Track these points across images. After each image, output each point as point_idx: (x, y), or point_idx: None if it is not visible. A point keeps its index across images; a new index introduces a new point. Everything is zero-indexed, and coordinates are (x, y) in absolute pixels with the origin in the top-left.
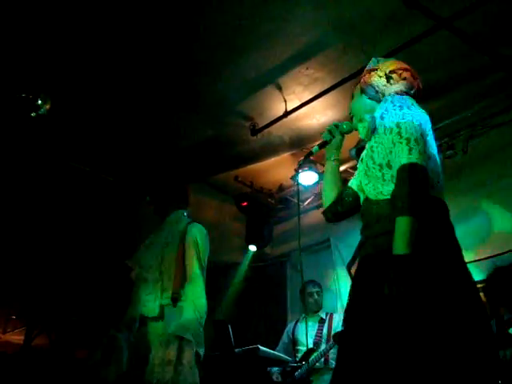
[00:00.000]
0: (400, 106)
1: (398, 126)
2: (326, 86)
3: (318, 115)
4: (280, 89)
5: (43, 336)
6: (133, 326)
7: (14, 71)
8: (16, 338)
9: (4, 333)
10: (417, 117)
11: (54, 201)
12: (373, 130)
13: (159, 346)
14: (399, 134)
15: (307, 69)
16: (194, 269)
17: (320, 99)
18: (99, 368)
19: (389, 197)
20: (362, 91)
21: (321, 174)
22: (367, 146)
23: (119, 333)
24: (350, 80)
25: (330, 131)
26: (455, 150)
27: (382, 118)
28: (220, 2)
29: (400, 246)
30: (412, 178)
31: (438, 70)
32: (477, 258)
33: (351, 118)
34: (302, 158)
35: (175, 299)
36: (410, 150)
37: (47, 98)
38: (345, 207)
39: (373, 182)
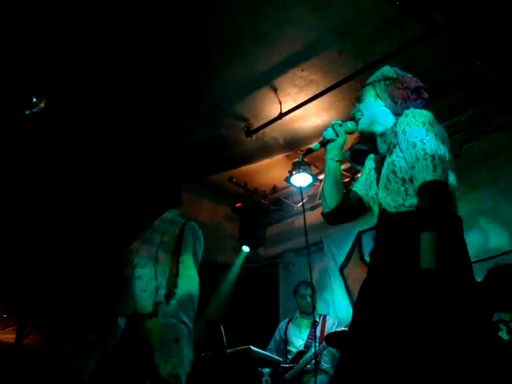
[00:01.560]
0: (423, 122)
1: (422, 141)
2: (320, 89)
3: (313, 117)
4: (275, 90)
5: (35, 335)
6: (121, 322)
7: (8, 68)
8: (6, 336)
9: None
10: (440, 134)
11: (47, 199)
12: (394, 145)
13: (158, 342)
14: (424, 149)
15: (302, 71)
16: (189, 265)
17: (315, 101)
18: (77, 361)
19: (410, 209)
20: (378, 96)
21: (315, 176)
22: (387, 160)
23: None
24: (345, 83)
25: (334, 129)
26: None
27: (404, 132)
28: (215, 5)
29: (428, 260)
30: (437, 195)
31: (432, 73)
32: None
33: (355, 119)
34: (301, 155)
35: (168, 296)
36: (435, 167)
37: (42, 95)
38: (348, 211)
39: (392, 196)
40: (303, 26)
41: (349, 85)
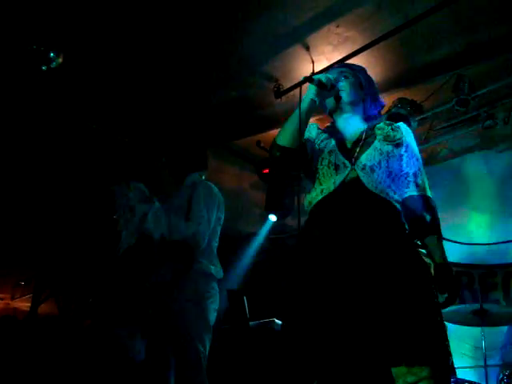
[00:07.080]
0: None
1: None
2: (357, 46)
3: None
4: (307, 48)
5: (51, 302)
6: None
7: (25, 22)
8: (24, 304)
9: (12, 299)
10: None
11: (64, 162)
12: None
13: (182, 310)
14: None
15: (337, 27)
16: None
17: (350, 60)
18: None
19: (396, 197)
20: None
21: None
22: (383, 148)
23: None
24: (384, 40)
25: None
26: (495, 120)
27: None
28: None
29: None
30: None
31: (480, 30)
32: None
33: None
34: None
35: (189, 264)
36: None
37: (60, 50)
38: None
39: (379, 179)
40: None
41: (387, 43)
